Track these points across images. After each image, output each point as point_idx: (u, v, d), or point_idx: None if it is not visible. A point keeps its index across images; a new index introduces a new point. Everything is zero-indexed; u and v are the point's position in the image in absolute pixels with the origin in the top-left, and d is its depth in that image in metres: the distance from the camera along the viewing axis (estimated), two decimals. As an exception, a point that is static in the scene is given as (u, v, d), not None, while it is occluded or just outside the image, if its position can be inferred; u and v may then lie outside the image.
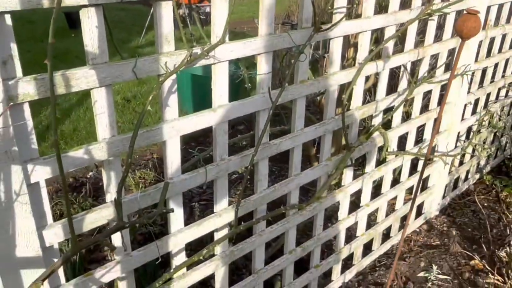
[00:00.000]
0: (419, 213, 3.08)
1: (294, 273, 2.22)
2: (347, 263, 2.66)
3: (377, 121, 2.21)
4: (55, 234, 1.22)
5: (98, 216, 1.29)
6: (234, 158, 1.60)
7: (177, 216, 1.53)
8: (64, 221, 1.22)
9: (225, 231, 1.70)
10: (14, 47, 1.00)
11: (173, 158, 1.43)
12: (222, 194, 1.64)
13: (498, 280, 2.48)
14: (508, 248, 2.48)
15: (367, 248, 2.76)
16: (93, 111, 1.21)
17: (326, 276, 2.54)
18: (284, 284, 2.17)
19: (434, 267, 2.62)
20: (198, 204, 3.24)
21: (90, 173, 3.74)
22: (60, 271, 1.29)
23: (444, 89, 2.72)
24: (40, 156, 1.13)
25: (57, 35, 0.90)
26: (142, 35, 7.73)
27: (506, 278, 2.45)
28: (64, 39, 7.14)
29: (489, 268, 2.55)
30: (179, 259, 1.60)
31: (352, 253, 2.58)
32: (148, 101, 1.17)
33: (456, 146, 3.03)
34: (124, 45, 7.31)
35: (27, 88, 1.04)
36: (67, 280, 1.32)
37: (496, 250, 2.57)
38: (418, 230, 3.04)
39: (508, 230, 2.90)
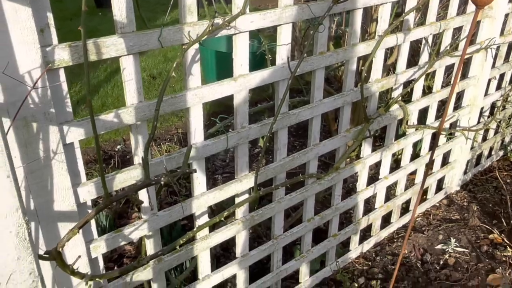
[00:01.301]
0: (439, 188, 3.10)
1: (312, 242, 2.31)
2: (366, 234, 2.72)
3: (396, 94, 2.24)
4: (88, 192, 1.32)
5: (127, 176, 1.39)
6: (254, 126, 1.68)
7: (200, 180, 1.62)
8: (97, 179, 1.32)
9: (246, 197, 1.79)
10: (50, 16, 1.09)
11: (196, 125, 1.51)
12: (242, 160, 1.72)
13: (516, 253, 2.51)
14: (527, 222, 2.49)
15: (386, 221, 2.81)
16: (122, 78, 1.29)
17: (345, 246, 2.62)
18: (302, 251, 2.25)
19: (452, 240, 2.65)
20: (222, 176, 3.34)
21: (118, 147, 3.89)
22: (93, 227, 1.41)
23: (468, 64, 2.71)
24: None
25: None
26: (167, 13, 7.80)
27: (525, 252, 2.47)
28: (92, 18, 7.29)
29: (507, 242, 2.57)
30: (202, 220, 1.69)
31: (371, 225, 2.64)
32: (172, 68, 1.25)
33: (479, 122, 3.01)
34: (150, 23, 7.39)
35: (62, 55, 1.13)
36: (99, 235, 1.44)
37: (515, 224, 2.58)
38: (438, 204, 3.07)
39: (529, 206, 2.90)
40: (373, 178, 3.08)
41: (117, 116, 1.29)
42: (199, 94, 1.45)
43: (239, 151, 1.69)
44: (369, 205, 2.92)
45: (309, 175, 1.99)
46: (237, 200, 1.79)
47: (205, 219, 1.70)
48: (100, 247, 1.42)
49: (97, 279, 1.26)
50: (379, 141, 3.53)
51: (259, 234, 2.66)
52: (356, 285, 2.40)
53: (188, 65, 1.41)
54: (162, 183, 1.15)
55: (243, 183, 1.74)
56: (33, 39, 1.05)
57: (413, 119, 2.47)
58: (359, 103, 2.05)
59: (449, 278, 2.44)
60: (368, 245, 2.66)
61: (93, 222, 1.39)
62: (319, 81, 1.83)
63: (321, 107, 1.88)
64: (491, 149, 3.44)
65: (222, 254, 2.60)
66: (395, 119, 2.31)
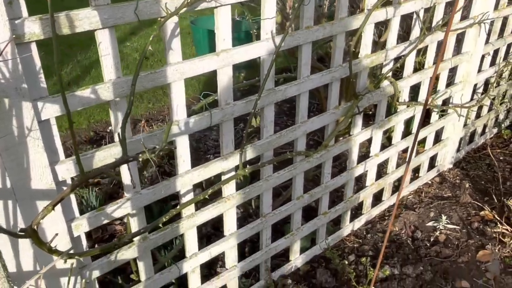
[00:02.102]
0: (432, 165, 3.09)
1: (304, 220, 2.30)
2: (357, 212, 2.72)
3: (387, 70, 2.20)
4: (67, 170, 1.30)
5: (106, 154, 1.36)
6: (239, 103, 1.65)
7: (184, 158, 1.60)
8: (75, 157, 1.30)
9: (233, 175, 1.77)
10: (18, -14, 1.05)
11: (178, 101, 1.48)
12: (228, 138, 1.70)
13: (506, 229, 2.51)
14: (517, 198, 2.49)
15: (377, 199, 2.81)
16: (98, 53, 1.26)
17: (336, 224, 2.62)
18: (292, 229, 2.25)
19: (443, 217, 2.65)
20: (213, 156, 3.33)
21: (110, 128, 3.86)
22: (74, 205, 1.39)
23: (462, 39, 2.67)
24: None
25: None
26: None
27: (515, 228, 2.47)
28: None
29: (498, 218, 2.57)
30: (187, 199, 1.68)
31: (362, 203, 2.63)
32: (149, 41, 1.21)
33: (472, 99, 2.98)
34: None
35: (33, 28, 1.09)
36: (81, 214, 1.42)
37: (505, 201, 2.58)
38: (430, 182, 3.06)
39: (521, 182, 2.90)
40: (366, 156, 3.07)
41: (94, 92, 1.26)
42: (179, 69, 1.42)
43: (224, 128, 1.67)
44: (361, 183, 2.92)
45: (297, 153, 1.97)
46: (224, 178, 1.77)
47: (190, 197, 1.69)
48: (82, 226, 1.41)
49: (76, 257, 1.25)
50: (372, 120, 3.51)
51: (250, 213, 2.66)
52: (346, 262, 2.41)
53: (167, 39, 1.37)
54: (140, 159, 1.13)
55: (228, 161, 1.72)
56: (1, 11, 1.01)
57: (404, 95, 2.44)
58: (348, 79, 2.02)
59: (439, 255, 2.45)
60: (359, 223, 2.66)
61: (73, 200, 1.38)
62: (306, 56, 1.80)
63: (308, 83, 1.85)
64: (484, 126, 3.42)
65: (213, 233, 2.60)
66: (385, 96, 2.28)
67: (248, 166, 1.74)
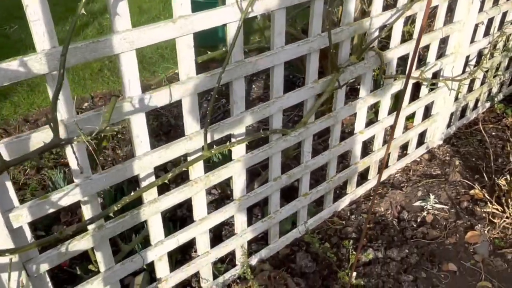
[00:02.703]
0: (421, 142, 2.95)
1: (285, 202, 2.17)
2: (341, 192, 2.59)
3: (371, 39, 2.03)
4: (-2, 154, 1.14)
5: (46, 136, 1.20)
6: (202, 77, 1.48)
7: (141, 138, 1.44)
8: (7, 140, 1.14)
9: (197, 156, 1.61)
10: None
11: (130, 75, 1.31)
12: (192, 115, 1.53)
13: (497, 209, 2.39)
14: (508, 176, 2.36)
15: (363, 177, 2.67)
16: (27, 18, 1.08)
17: (318, 205, 2.49)
18: (270, 212, 2.12)
19: (431, 196, 2.53)
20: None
21: (86, 104, 3.67)
22: (12, 194, 1.23)
23: (454, 7, 2.48)
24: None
25: None
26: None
27: (506, 208, 2.35)
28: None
29: (488, 198, 2.45)
30: (148, 183, 1.53)
31: (346, 182, 2.50)
32: (82, 3, 1.03)
33: (464, 71, 2.82)
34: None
35: None
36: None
37: (496, 179, 2.45)
38: (418, 159, 2.93)
39: (510, 158, 2.77)
40: (352, 133, 2.92)
41: (23, 64, 1.08)
42: (128, 38, 1.24)
43: (186, 104, 1.50)
44: (346, 161, 2.78)
45: (271, 131, 1.81)
46: (190, 159, 1.62)
47: (151, 181, 1.54)
48: (22, 216, 1.25)
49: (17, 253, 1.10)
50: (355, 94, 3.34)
51: (228, 195, 2.52)
52: (328, 245, 2.29)
53: (112, 3, 1.19)
54: (75, 142, 0.97)
55: (193, 141, 1.57)
56: None
57: (392, 68, 2.27)
58: (328, 50, 1.84)
59: (426, 236, 2.33)
60: (343, 203, 2.53)
61: (10, 188, 1.22)
62: (279, 24, 1.62)
63: (282, 55, 1.67)
64: (477, 100, 3.27)
65: (189, 215, 2.46)
66: (370, 68, 2.11)
67: (215, 146, 1.59)
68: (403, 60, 2.82)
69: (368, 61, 2.07)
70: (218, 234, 2.32)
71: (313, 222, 2.39)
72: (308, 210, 2.32)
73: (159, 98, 1.40)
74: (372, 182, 2.66)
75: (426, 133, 2.93)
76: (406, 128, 2.78)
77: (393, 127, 1.40)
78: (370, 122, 2.46)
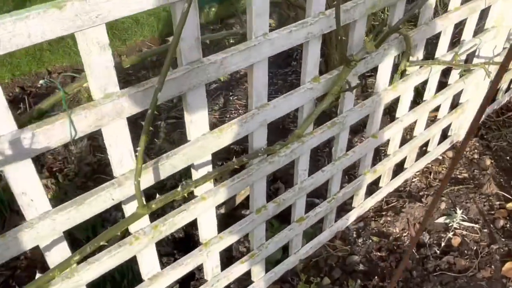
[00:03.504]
0: (444, 135, 2.39)
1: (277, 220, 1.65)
2: (346, 206, 2.06)
3: (395, 18, 1.43)
4: None
5: None
6: (128, 93, 0.91)
7: (32, 196, 0.89)
8: None
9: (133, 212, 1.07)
10: None
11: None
12: (120, 148, 0.98)
13: (543, 232, 1.88)
14: None
15: (373, 183, 2.14)
16: None
17: (317, 223, 1.97)
18: (252, 248, 1.60)
19: (458, 211, 2.00)
20: (165, 122, 2.60)
21: (41, 81, 3.08)
22: None
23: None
24: None
25: None
26: None
27: (555, 231, 1.84)
28: None
29: (532, 216, 1.93)
30: (58, 258, 0.99)
31: (352, 195, 1.97)
32: None
33: (504, 48, 2.22)
34: None
35: None
36: None
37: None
38: (440, 158, 2.38)
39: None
40: (358, 132, 2.36)
41: None
42: None
43: (109, 136, 0.94)
44: (353, 169, 2.23)
45: (251, 156, 1.26)
46: (126, 208, 1.08)
47: (59, 258, 1.00)
48: None
49: None
50: (370, 86, 2.75)
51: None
52: (328, 281, 1.79)
53: None
54: None
55: (124, 187, 1.02)
56: None
57: (418, 53, 1.69)
58: (335, 34, 1.25)
59: (453, 268, 1.84)
60: (348, 220, 2.01)
61: None
62: (261, 2, 1.03)
63: (265, 47, 1.09)
64: (510, 81, 2.69)
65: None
66: (391, 56, 1.53)
67: (158, 196, 1.04)
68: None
69: (390, 47, 1.48)
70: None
71: (310, 249, 1.88)
72: (303, 232, 1.81)
73: (51, 136, 0.83)
74: (384, 190, 2.13)
75: (450, 125, 2.37)
76: (429, 122, 2.22)
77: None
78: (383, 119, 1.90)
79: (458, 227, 1.99)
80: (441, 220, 2.04)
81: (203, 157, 1.16)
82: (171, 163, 1.07)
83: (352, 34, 1.35)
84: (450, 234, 1.96)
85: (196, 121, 1.09)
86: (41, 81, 3.07)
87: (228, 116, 2.64)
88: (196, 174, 1.19)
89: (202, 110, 1.08)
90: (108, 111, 0.89)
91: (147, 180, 1.05)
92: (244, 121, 1.18)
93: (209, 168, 1.21)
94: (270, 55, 1.13)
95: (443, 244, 1.93)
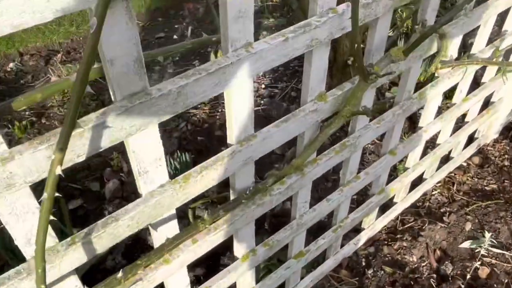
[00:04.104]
0: (469, 138, 2.05)
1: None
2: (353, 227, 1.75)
3: (428, 13, 1.07)
4: None
5: None
6: None
7: None
8: None
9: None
10: None
11: None
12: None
13: None
14: None
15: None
16: None
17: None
18: (238, 295, 1.29)
19: (487, 234, 1.68)
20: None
21: (11, 65, 2.72)
22: None
23: None
24: None
25: None
26: None
27: None
28: None
29: None
30: None
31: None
32: None
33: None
34: None
35: None
36: None
37: None
38: (465, 164, 2.05)
39: None
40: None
41: None
42: None
43: None
44: (362, 196, 1.89)
45: (230, 206, 0.93)
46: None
47: None
48: None
49: None
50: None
51: None
52: (332, 324, 1.50)
53: None
54: None
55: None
56: None
57: (453, 50, 1.33)
58: (343, 39, 0.89)
59: (480, 308, 1.54)
60: (356, 245, 1.70)
61: None
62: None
63: (248, 65, 0.75)
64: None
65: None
66: (419, 60, 1.18)
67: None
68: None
69: (420, 49, 1.12)
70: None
71: (310, 282, 1.58)
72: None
73: None
74: (399, 207, 1.81)
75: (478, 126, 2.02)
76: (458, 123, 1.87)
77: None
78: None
79: (486, 254, 1.68)
80: (466, 244, 1.73)
81: (162, 215, 0.83)
82: (111, 233, 0.75)
83: (372, 35, 0.99)
84: (477, 264, 1.65)
85: (148, 171, 0.76)
86: (11, 65, 2.71)
87: (220, 110, 2.30)
88: (154, 234, 0.87)
89: (155, 154, 0.75)
90: (-12, 184, 0.55)
91: (75, 259, 0.73)
92: (221, 163, 0.85)
93: (174, 224, 0.88)
94: (256, 74, 0.78)
95: (468, 276, 1.62)
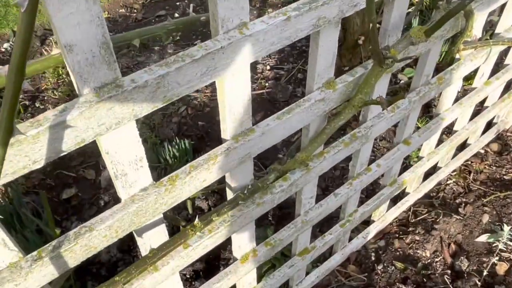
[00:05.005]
0: (487, 123, 1.92)
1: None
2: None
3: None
4: None
5: None
6: None
7: None
8: None
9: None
10: None
11: None
12: None
13: None
14: None
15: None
16: None
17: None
18: (238, 295, 1.20)
19: (506, 228, 1.57)
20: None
21: (5, 45, 2.61)
22: None
23: None
24: None
25: None
26: None
27: None
28: None
29: None
30: None
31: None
32: None
33: None
34: None
35: None
36: None
37: None
38: (482, 152, 1.92)
39: None
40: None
41: None
42: None
43: None
44: (372, 186, 1.77)
45: (223, 209, 0.82)
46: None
47: None
48: None
49: None
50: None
51: None
52: (339, 323, 1.41)
53: None
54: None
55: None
56: None
57: (477, 30, 1.19)
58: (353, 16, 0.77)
59: (498, 307, 1.44)
60: (365, 238, 1.60)
61: None
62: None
63: (244, 50, 0.63)
64: None
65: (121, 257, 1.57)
66: (440, 40, 1.05)
67: None
68: None
69: (443, 28, 0.99)
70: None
71: (316, 278, 1.49)
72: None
73: None
74: (412, 198, 1.70)
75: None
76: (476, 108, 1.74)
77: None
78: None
79: (505, 249, 1.57)
80: (483, 238, 1.62)
81: (146, 222, 0.73)
82: (85, 245, 0.65)
83: (389, 12, 0.86)
84: (494, 259, 1.55)
85: (127, 173, 0.65)
86: (5, 45, 2.60)
87: (222, 93, 2.18)
88: (140, 241, 0.77)
89: (134, 154, 0.64)
90: None
91: (42, 276, 0.63)
92: (213, 161, 0.74)
93: (161, 229, 0.78)
94: (252, 61, 0.66)
95: (485, 272, 1.52)
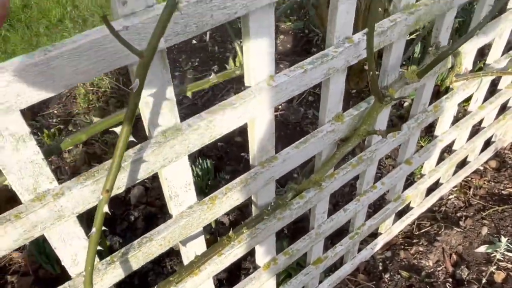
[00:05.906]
0: (486, 142, 2.07)
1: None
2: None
3: (442, 33, 1.10)
4: None
5: None
6: None
7: None
8: None
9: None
10: None
11: None
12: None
13: None
14: None
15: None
16: None
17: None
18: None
19: (503, 239, 1.72)
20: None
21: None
22: None
23: None
24: None
25: None
26: None
27: None
28: None
29: None
30: None
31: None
32: None
33: None
34: None
35: None
36: None
37: None
38: (481, 168, 2.07)
39: None
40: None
41: None
42: None
43: (49, 235, 0.69)
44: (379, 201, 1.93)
45: (252, 222, 0.99)
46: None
47: None
48: None
49: None
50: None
51: None
52: (350, 326, 1.56)
53: None
54: None
55: (81, 295, 0.77)
56: None
57: (467, 63, 1.36)
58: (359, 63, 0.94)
59: (496, 312, 1.58)
60: (373, 249, 1.75)
61: None
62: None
63: (269, 97, 0.80)
64: None
65: None
66: (433, 77, 1.22)
67: None
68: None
69: (434, 69, 1.16)
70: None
71: (328, 286, 1.64)
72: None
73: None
74: (416, 212, 1.85)
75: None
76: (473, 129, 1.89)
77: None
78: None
79: (502, 259, 1.71)
80: (482, 249, 1.76)
81: (191, 233, 0.90)
82: (146, 252, 0.82)
83: (387, 58, 1.03)
84: (492, 268, 1.69)
85: (179, 194, 0.82)
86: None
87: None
88: (183, 249, 0.94)
89: (185, 180, 0.81)
90: (43, 218, 0.63)
91: (113, 276, 0.80)
92: (244, 184, 0.91)
93: (201, 240, 0.95)
94: (275, 105, 0.84)
95: (484, 280, 1.66)
